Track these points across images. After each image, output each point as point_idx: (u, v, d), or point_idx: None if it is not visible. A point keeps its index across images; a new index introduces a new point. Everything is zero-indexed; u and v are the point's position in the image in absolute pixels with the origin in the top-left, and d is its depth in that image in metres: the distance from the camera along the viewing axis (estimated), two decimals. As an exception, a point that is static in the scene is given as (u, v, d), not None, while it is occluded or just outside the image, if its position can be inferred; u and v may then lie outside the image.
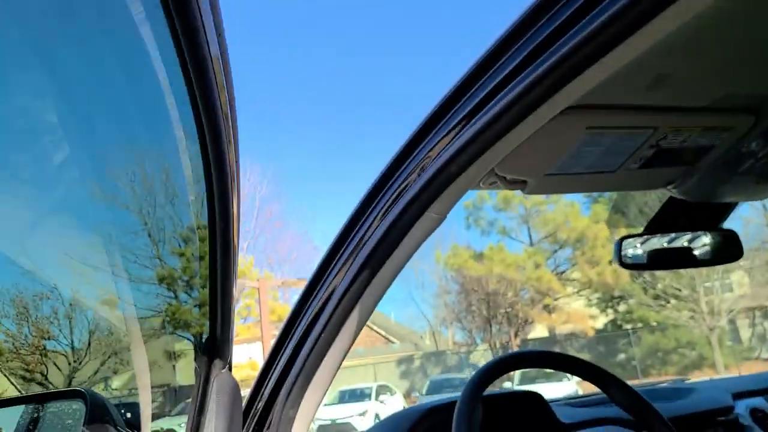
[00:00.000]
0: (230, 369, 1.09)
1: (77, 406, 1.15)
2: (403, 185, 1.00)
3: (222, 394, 1.04)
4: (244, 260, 27.76)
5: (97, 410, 1.14)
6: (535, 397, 1.49)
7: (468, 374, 21.45)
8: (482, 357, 26.72)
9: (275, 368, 1.16)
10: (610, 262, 23.58)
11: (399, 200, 1.00)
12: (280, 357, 1.16)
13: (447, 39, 42.65)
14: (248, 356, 31.31)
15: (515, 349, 24.95)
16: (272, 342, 1.20)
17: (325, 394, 1.16)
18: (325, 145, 44.65)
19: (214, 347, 1.04)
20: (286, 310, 27.91)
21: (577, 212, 24.60)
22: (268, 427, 1.11)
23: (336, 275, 1.10)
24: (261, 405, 1.14)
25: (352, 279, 1.05)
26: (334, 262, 1.11)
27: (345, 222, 1.11)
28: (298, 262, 30.94)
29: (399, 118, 42.39)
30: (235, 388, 1.07)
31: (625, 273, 23.07)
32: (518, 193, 1.22)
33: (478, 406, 1.16)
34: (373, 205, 1.06)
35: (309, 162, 45.16)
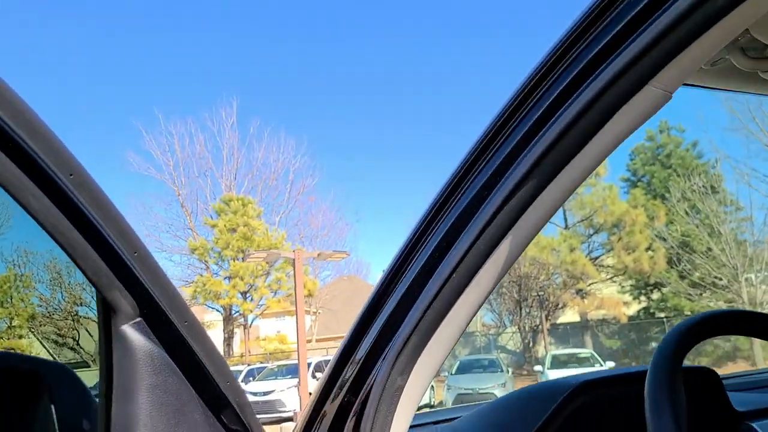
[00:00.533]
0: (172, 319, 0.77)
1: None
2: (611, 43, 0.73)
3: (125, 360, 0.75)
4: (276, 234, 27.95)
5: None
6: (711, 375, 1.21)
7: (496, 356, 21.31)
8: (510, 339, 26.55)
9: (373, 325, 0.92)
10: (647, 249, 23.09)
11: (606, 65, 0.73)
12: (381, 312, 0.92)
13: (486, 16, 41.79)
14: (276, 330, 31.71)
15: (545, 333, 24.70)
16: (370, 293, 0.96)
17: (444, 360, 0.91)
18: (362, 121, 44.47)
19: (98, 292, 0.75)
20: (315, 285, 28.09)
21: (615, 196, 24.03)
22: (366, 397, 0.88)
23: (491, 175, 0.80)
24: (354, 371, 0.92)
25: (525, 173, 0.76)
26: (488, 154, 0.83)
27: (517, 89, 0.82)
28: (330, 238, 30.99)
29: (440, 99, 41.93)
30: (145, 347, 0.76)
31: (662, 260, 22.57)
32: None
33: (679, 381, 0.84)
34: (559, 71, 0.78)
35: (345, 137, 45.08)
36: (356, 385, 0.91)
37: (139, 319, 0.76)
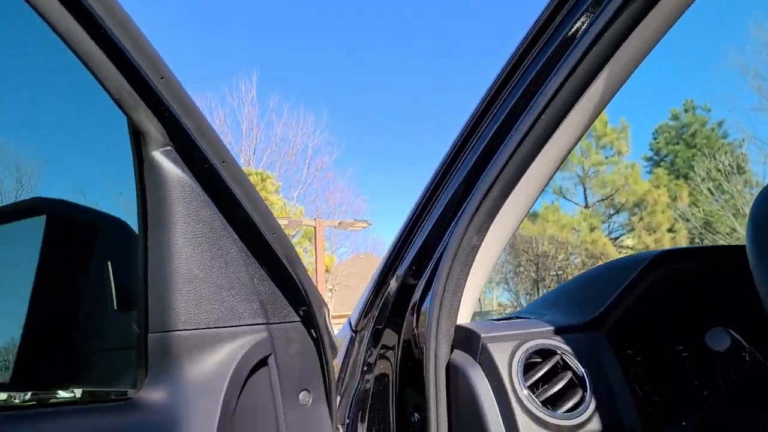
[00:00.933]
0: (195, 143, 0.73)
1: (35, 223, 0.88)
2: None
3: (156, 187, 0.73)
4: (294, 209, 28.00)
5: (58, 227, 0.88)
6: None
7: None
8: (527, 318, 26.47)
9: (446, 186, 0.90)
10: (669, 229, 22.77)
11: None
12: (449, 182, 0.90)
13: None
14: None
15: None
16: (434, 170, 0.94)
17: (519, 223, 0.90)
18: (383, 98, 44.15)
19: (124, 113, 0.72)
20: (333, 261, 28.16)
21: (637, 175, 23.66)
22: (437, 262, 0.85)
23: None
24: (421, 241, 0.90)
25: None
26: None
27: None
28: (347, 215, 30.93)
29: (464, 80, 41.46)
30: (176, 175, 0.74)
31: (684, 240, 22.26)
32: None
33: None
34: None
35: (366, 115, 44.82)
36: (424, 253, 0.88)
37: (169, 147, 0.74)
